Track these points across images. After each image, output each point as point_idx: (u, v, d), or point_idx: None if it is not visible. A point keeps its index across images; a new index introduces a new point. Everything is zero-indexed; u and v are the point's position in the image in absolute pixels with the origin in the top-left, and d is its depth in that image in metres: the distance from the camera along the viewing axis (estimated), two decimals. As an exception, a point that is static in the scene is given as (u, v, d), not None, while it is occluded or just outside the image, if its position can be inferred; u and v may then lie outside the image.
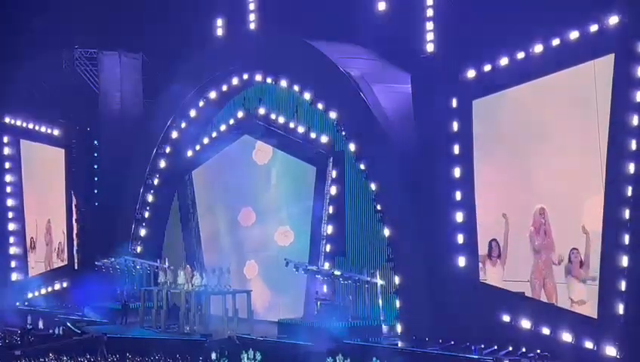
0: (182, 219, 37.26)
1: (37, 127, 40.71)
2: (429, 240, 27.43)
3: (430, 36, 27.85)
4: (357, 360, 26.41)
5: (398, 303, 28.39)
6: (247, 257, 34.38)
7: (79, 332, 32.20)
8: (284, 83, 32.34)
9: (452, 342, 26.02)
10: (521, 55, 25.07)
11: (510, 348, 24.99)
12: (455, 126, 27.09)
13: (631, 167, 22.48)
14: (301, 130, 32.41)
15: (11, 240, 42.10)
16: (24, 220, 42.02)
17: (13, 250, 42.09)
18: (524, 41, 24.85)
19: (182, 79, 34.87)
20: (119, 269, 35.44)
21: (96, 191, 38.44)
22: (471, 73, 26.53)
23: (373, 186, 29.20)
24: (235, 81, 34.34)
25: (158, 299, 32.90)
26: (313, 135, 32.04)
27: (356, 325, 28.70)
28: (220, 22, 35.66)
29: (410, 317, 27.87)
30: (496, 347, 25.18)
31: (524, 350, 24.72)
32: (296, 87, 31.86)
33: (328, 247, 31.31)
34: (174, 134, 36.40)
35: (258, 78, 33.41)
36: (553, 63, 24.33)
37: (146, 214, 37.01)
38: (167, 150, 36.67)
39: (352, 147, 30.02)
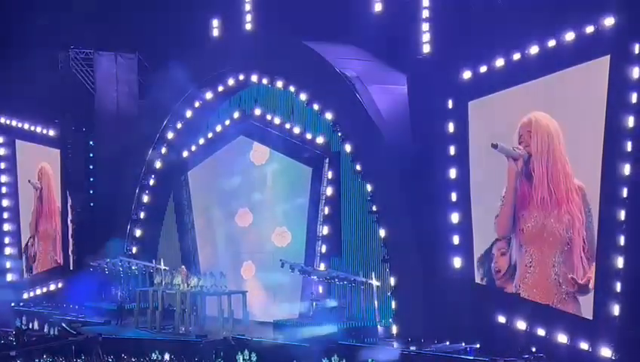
0: (177, 220, 37.20)
1: (32, 128, 40.66)
2: (425, 241, 27.43)
3: (426, 37, 27.82)
4: (352, 361, 26.42)
5: (393, 304, 28.39)
6: (244, 258, 34.33)
7: (74, 332, 32.13)
8: (279, 84, 32.33)
9: (447, 343, 26.02)
10: (516, 56, 25.10)
11: (505, 349, 25.01)
12: (451, 127, 27.11)
13: (626, 169, 22.50)
14: (297, 130, 32.42)
15: (6, 240, 42.04)
16: (19, 221, 41.95)
17: (8, 251, 42.04)
18: (519, 42, 24.86)
19: (177, 80, 34.79)
20: (115, 270, 35.38)
21: (91, 192, 38.37)
22: (467, 74, 26.54)
23: (369, 187, 29.20)
24: (230, 81, 34.31)
25: (154, 300, 32.86)
26: (309, 136, 32.05)
27: (352, 326, 28.67)
28: (215, 22, 35.63)
29: (405, 317, 27.86)
30: (492, 343, 25.21)
31: (519, 351, 24.72)
32: (292, 88, 31.85)
33: (324, 248, 31.32)
34: (170, 135, 36.38)
35: (254, 78, 33.38)
36: (549, 64, 24.35)
37: (142, 215, 36.97)
38: (163, 150, 36.63)
39: (347, 148, 30.02)
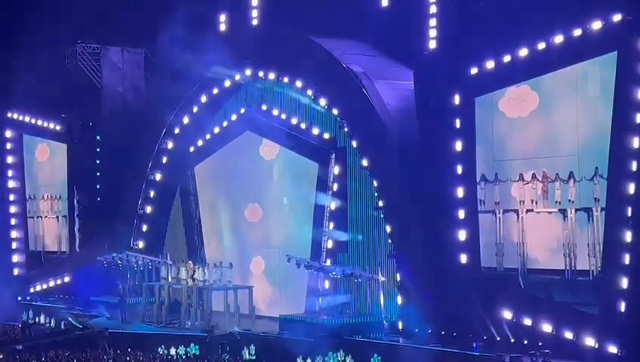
0: (184, 215, 37.24)
1: (39, 122, 40.72)
2: (431, 236, 27.43)
3: (433, 33, 27.80)
4: (358, 356, 26.44)
5: (399, 299, 28.40)
6: (253, 253, 34.31)
7: (81, 326, 32.21)
8: (286, 79, 32.32)
9: (454, 334, 26.00)
10: (523, 52, 25.06)
11: (511, 345, 25.04)
12: (457, 122, 27.08)
13: (634, 165, 22.51)
14: (303, 126, 32.41)
15: (13, 234, 42.12)
16: (26, 215, 42.04)
17: (15, 245, 42.11)
18: (526, 39, 24.85)
19: (184, 74, 34.81)
20: (121, 264, 35.44)
21: (98, 187, 38.43)
22: (473, 70, 26.51)
23: (375, 182, 29.19)
24: (237, 76, 34.33)
25: (160, 295, 32.93)
26: (316, 131, 32.03)
27: (357, 321, 28.67)
28: (222, 17, 35.63)
29: (411, 313, 27.84)
30: (498, 338, 25.23)
31: (525, 346, 24.74)
32: (298, 83, 31.84)
33: (330, 243, 31.32)
34: (176, 130, 36.40)
35: (260, 73, 33.38)
36: (556, 60, 24.33)
37: (148, 209, 37.01)
38: (170, 145, 36.66)
39: (354, 143, 30.02)
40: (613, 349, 22.72)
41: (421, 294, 27.43)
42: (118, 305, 33.97)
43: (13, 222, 42.15)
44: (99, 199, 38.32)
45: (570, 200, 24.75)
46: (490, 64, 26.01)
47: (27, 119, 41.22)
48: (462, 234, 26.92)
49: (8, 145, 42.17)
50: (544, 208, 25.47)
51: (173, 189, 37.44)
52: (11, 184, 42.14)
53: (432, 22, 27.79)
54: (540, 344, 24.29)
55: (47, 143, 40.69)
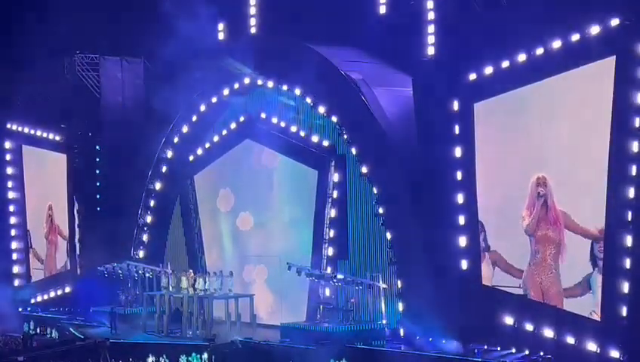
0: (184, 224, 37.23)
1: (39, 133, 40.73)
2: (431, 243, 27.42)
3: (431, 39, 27.80)
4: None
5: (400, 306, 28.37)
6: (254, 261, 34.28)
7: (82, 337, 32.17)
8: (285, 87, 32.35)
9: (456, 341, 25.99)
10: (522, 57, 25.07)
11: (513, 351, 24.99)
12: (456, 129, 27.10)
13: (633, 169, 22.49)
14: (302, 133, 32.42)
15: (14, 246, 42.11)
16: (26, 225, 42.04)
17: (15, 256, 42.10)
18: (525, 44, 24.85)
19: (183, 83, 34.85)
20: (122, 274, 35.42)
21: (98, 197, 38.42)
22: (472, 76, 26.53)
23: (374, 189, 29.19)
24: (236, 85, 34.35)
25: (161, 304, 32.90)
26: (315, 138, 32.04)
27: (359, 328, 28.64)
28: (221, 26, 35.66)
29: (413, 320, 27.82)
30: (499, 348, 25.19)
31: (527, 352, 24.70)
32: (297, 91, 31.87)
33: (330, 251, 31.31)
34: (176, 139, 36.41)
35: (259, 82, 33.42)
36: (554, 65, 24.33)
37: (149, 219, 37.01)
38: (169, 154, 36.67)
39: (353, 150, 30.03)
40: (615, 354, 22.69)
41: (422, 300, 27.42)
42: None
43: (13, 233, 42.15)
44: (99, 209, 38.30)
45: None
46: (488, 70, 26.04)
47: (26, 130, 41.23)
48: (462, 240, 26.91)
49: (8, 156, 42.18)
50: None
51: (173, 198, 37.44)
52: (11, 195, 42.14)
53: (430, 28, 27.80)
54: (542, 352, 24.28)
55: (47, 154, 40.71)
